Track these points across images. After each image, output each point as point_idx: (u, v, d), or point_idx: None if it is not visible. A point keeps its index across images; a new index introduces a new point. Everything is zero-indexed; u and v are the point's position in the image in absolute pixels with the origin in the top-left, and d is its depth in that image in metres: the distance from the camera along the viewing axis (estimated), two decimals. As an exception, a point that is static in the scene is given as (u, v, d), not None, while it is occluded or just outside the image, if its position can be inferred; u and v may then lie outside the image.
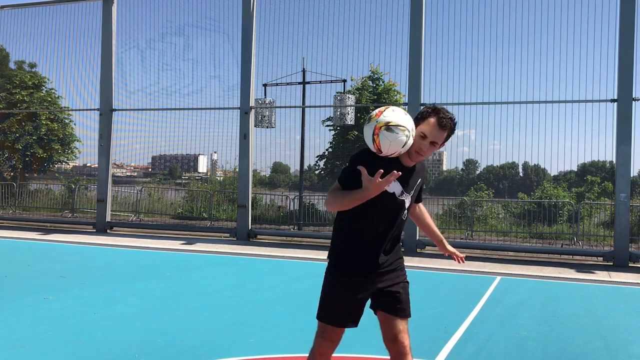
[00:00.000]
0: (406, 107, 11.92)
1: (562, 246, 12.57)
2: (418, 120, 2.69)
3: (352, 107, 13.77)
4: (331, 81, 15.21)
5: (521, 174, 39.33)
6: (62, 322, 5.14)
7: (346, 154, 18.88)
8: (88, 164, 23.78)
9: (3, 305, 5.71)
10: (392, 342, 2.75)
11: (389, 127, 2.52)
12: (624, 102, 10.44)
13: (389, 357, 2.81)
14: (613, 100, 10.68)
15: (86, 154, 20.21)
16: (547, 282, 8.41)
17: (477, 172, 32.45)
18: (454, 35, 12.65)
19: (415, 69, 11.66)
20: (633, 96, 10.42)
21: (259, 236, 13.23)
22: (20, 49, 17.51)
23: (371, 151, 2.63)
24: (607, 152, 11.60)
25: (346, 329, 2.78)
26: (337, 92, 14.68)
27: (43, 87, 20.94)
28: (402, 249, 3.14)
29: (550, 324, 5.67)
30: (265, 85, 15.15)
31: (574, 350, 4.75)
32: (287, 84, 15.50)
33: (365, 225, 2.69)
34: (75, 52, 16.08)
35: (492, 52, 12.89)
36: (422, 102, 11.59)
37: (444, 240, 3.10)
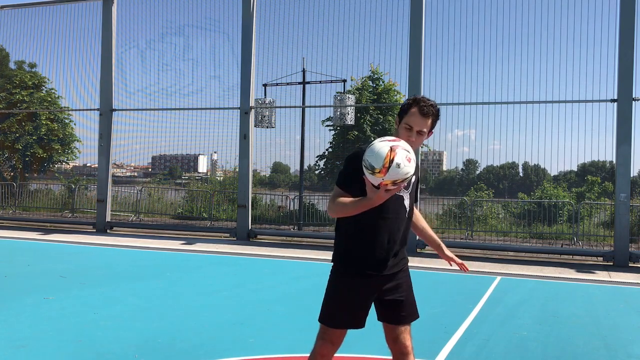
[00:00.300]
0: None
1: (562, 246, 12.56)
2: (401, 113, 2.72)
3: (352, 107, 13.76)
4: (331, 81, 15.21)
5: (521, 174, 39.37)
6: (62, 322, 5.14)
7: (346, 154, 18.79)
8: (88, 164, 23.84)
9: (3, 305, 5.71)
10: (394, 342, 2.76)
11: (395, 183, 2.39)
12: (624, 102, 10.44)
13: (391, 357, 2.81)
14: (613, 101, 10.68)
15: (86, 154, 20.26)
16: (547, 282, 8.41)
17: (477, 172, 32.49)
18: (454, 35, 12.66)
19: (415, 69, 11.66)
20: (633, 96, 10.42)
21: (259, 236, 13.23)
22: (20, 49, 17.55)
23: None
24: (607, 152, 11.60)
25: (348, 331, 2.77)
26: (337, 92, 14.68)
27: (43, 87, 20.92)
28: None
29: (550, 324, 5.67)
30: (265, 85, 15.13)
31: (574, 350, 4.75)
32: (287, 84, 15.49)
33: (367, 225, 2.69)
34: (75, 52, 16.11)
35: (492, 52, 12.89)
36: (422, 102, 11.56)
37: (443, 245, 3.03)
